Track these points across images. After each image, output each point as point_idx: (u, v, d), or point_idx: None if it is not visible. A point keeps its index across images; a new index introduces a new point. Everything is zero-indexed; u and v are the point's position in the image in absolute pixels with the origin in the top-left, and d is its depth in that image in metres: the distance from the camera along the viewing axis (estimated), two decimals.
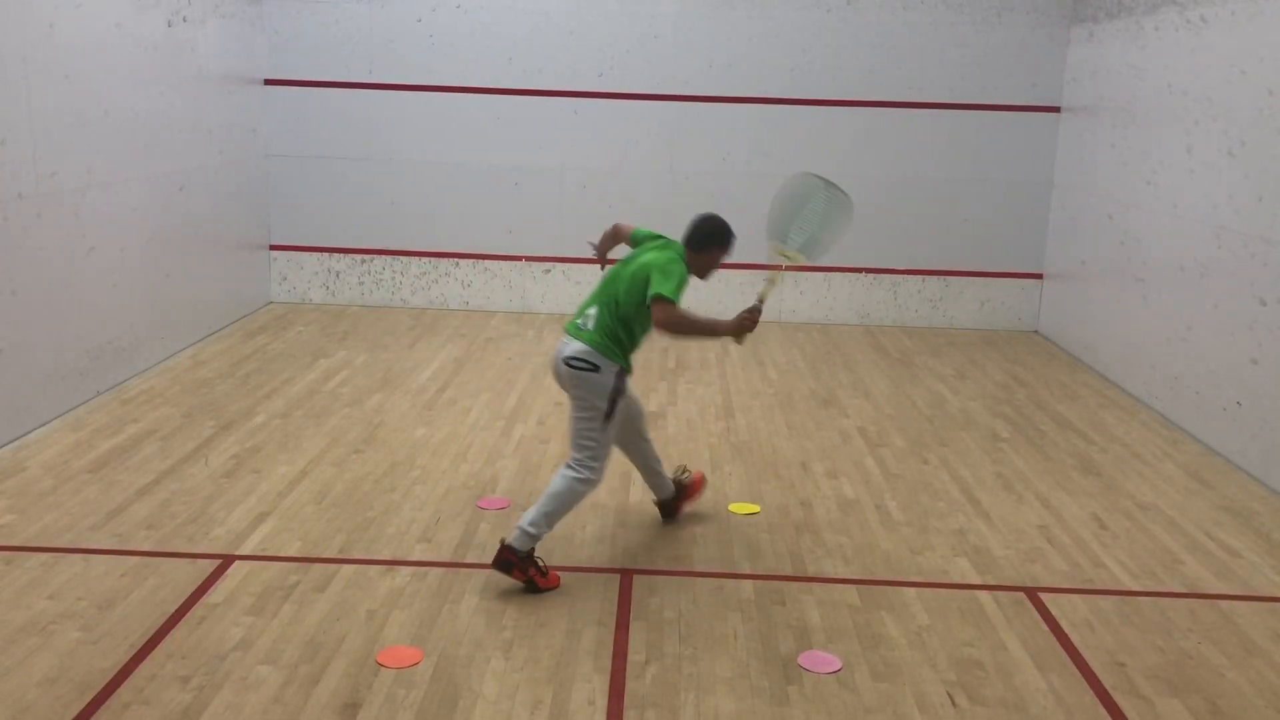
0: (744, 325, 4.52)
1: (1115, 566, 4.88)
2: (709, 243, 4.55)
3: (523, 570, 4.37)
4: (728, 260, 4.70)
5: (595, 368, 4.42)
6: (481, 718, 3.58)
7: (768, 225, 4.82)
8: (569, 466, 4.47)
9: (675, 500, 5.16)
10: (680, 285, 4.41)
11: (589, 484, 4.47)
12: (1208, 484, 5.94)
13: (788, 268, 4.78)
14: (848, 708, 3.72)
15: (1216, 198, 6.58)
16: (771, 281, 4.69)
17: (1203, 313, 6.69)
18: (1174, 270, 7.07)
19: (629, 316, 4.47)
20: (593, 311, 4.51)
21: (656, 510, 5.23)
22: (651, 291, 4.35)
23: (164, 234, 7.51)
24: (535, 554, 4.42)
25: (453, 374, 7.54)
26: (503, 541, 4.40)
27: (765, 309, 4.75)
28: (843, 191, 4.83)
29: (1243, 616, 4.46)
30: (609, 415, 4.44)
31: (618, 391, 4.44)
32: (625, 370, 4.49)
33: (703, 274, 4.61)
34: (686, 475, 5.23)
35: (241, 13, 8.65)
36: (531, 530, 4.36)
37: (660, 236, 4.73)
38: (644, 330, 4.54)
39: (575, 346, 4.45)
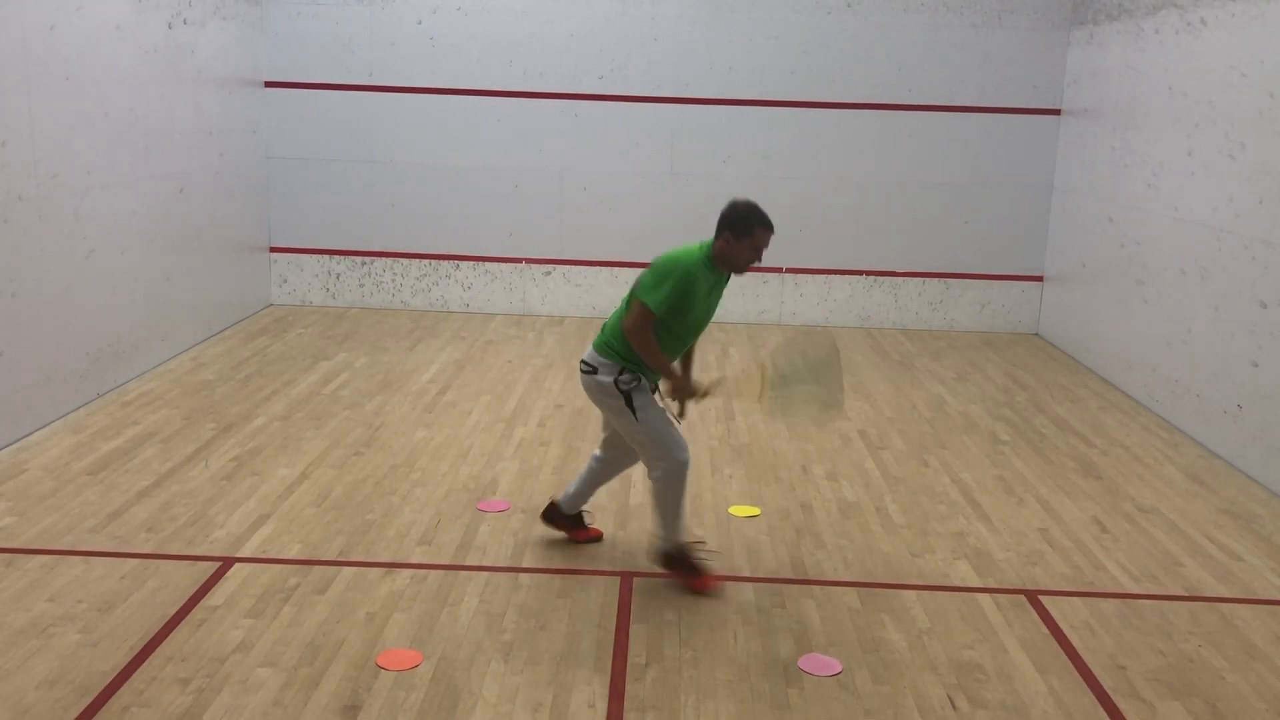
0: (676, 389, 4.47)
1: (1116, 569, 4.88)
2: (724, 229, 4.31)
3: (672, 570, 4.57)
4: (760, 247, 4.33)
5: (593, 369, 4.43)
6: None
7: (775, 356, 4.62)
8: (649, 477, 4.50)
9: (567, 520, 4.90)
10: (670, 295, 4.25)
11: (676, 472, 4.42)
12: (1208, 487, 5.94)
13: (748, 389, 4.57)
14: (848, 710, 3.71)
15: (1217, 200, 6.58)
16: (724, 387, 4.65)
17: (1203, 315, 6.69)
18: (1174, 273, 7.07)
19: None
20: (610, 320, 4.53)
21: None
22: (637, 294, 4.31)
23: (164, 236, 7.51)
24: (690, 554, 4.55)
25: (453, 376, 7.53)
26: (665, 551, 4.58)
27: (709, 391, 4.55)
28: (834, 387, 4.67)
29: (1243, 619, 4.46)
30: (633, 410, 4.39)
31: (627, 386, 4.38)
32: (629, 369, 4.40)
33: (732, 266, 4.36)
34: (588, 518, 5.00)
35: (242, 15, 8.66)
36: (662, 542, 4.54)
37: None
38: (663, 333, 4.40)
39: (586, 352, 4.51)
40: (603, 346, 4.43)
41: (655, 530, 4.59)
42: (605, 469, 4.83)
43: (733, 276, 4.50)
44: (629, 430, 4.45)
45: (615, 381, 4.39)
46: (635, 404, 4.39)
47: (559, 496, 4.90)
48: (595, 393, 4.46)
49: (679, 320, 4.36)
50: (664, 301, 4.25)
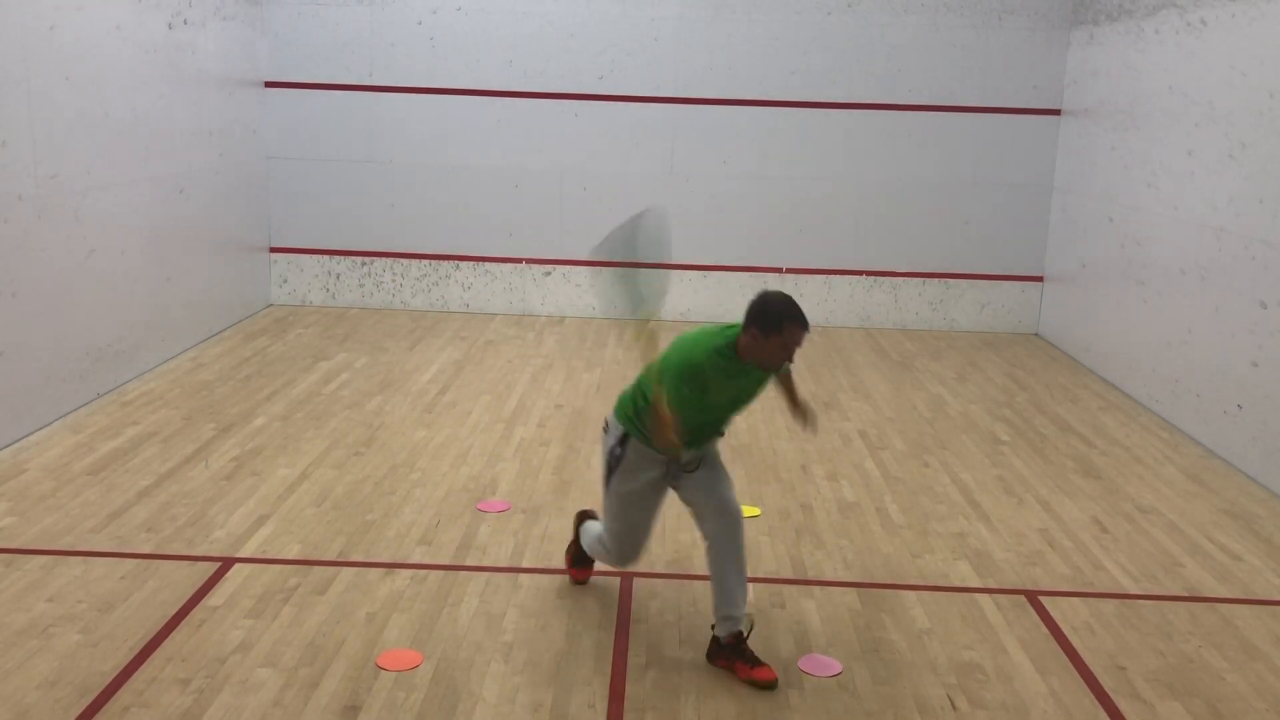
0: (667, 441, 3.76)
1: (1116, 569, 4.88)
2: (750, 324, 3.78)
3: (573, 538, 4.57)
4: (792, 345, 3.80)
5: (605, 427, 4.12)
6: None
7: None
8: (601, 533, 4.29)
9: (728, 650, 3.94)
10: (678, 389, 3.78)
11: (613, 560, 4.24)
12: (1208, 487, 5.94)
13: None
14: (848, 711, 3.71)
15: (1217, 200, 6.58)
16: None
17: (1203, 315, 6.68)
18: (1175, 273, 7.07)
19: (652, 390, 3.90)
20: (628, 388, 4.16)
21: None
22: (659, 380, 3.82)
23: (164, 236, 7.51)
24: (589, 559, 4.53)
25: (453, 376, 7.53)
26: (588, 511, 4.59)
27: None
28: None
29: (1243, 620, 4.46)
30: (606, 484, 4.07)
31: (615, 458, 4.01)
32: (635, 438, 3.96)
33: (759, 364, 3.81)
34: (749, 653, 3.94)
35: (242, 14, 8.66)
36: (581, 543, 4.51)
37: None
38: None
39: None
40: (618, 407, 4.06)
41: (583, 536, 4.44)
42: (712, 553, 3.99)
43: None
44: (603, 495, 4.15)
45: (609, 450, 4.04)
46: (611, 481, 4.04)
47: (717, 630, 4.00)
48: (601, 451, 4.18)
49: (700, 399, 3.84)
50: (674, 395, 3.78)
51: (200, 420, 6.40)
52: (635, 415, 3.97)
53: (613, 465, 4.03)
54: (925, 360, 8.48)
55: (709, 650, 4.00)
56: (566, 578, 4.60)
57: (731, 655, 3.91)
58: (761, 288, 3.82)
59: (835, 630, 4.25)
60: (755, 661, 3.87)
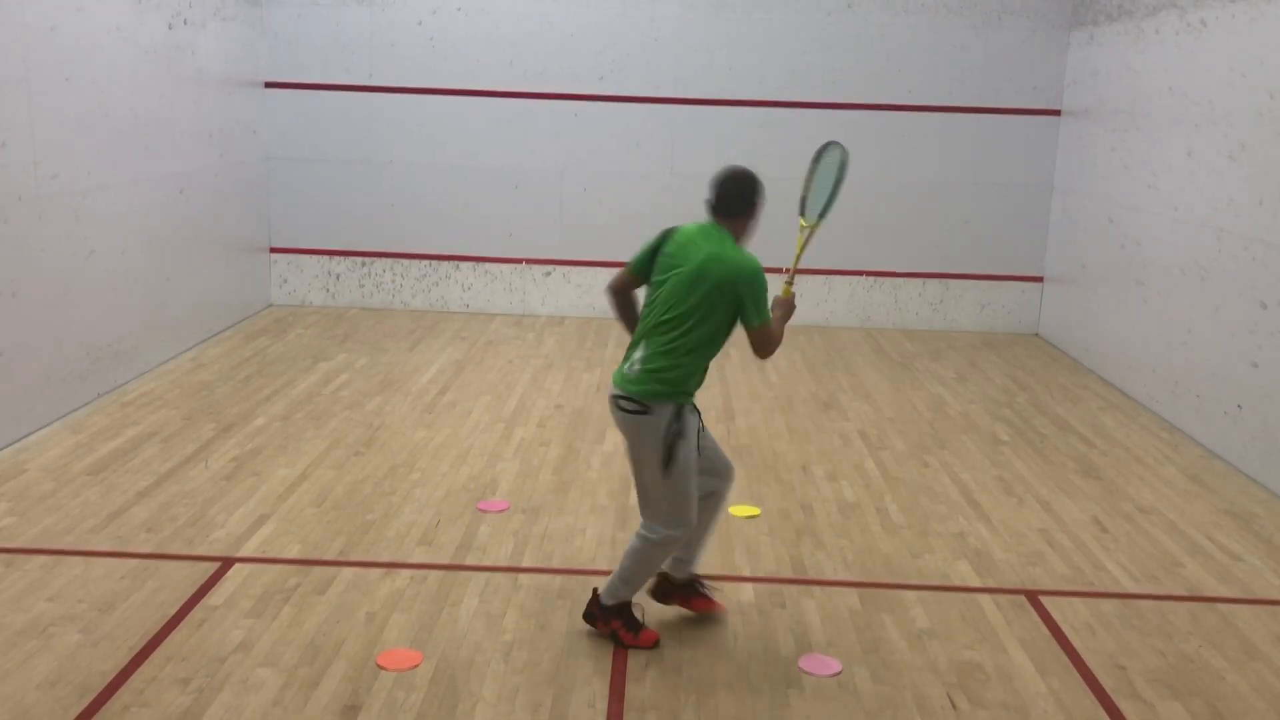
0: (789, 313, 4.03)
1: (1116, 569, 4.88)
2: (754, 202, 3.97)
3: (605, 622, 4.07)
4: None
5: (643, 409, 3.85)
6: None
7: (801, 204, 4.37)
8: (641, 533, 3.97)
9: (681, 590, 4.24)
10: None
11: (672, 543, 3.95)
12: (1208, 487, 5.94)
13: (803, 242, 4.26)
14: (848, 711, 3.71)
15: (1217, 200, 6.58)
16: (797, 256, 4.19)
17: (1203, 316, 6.69)
18: (1175, 273, 7.08)
19: (694, 339, 3.85)
20: (639, 353, 3.91)
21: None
22: (753, 323, 3.85)
23: (164, 236, 7.51)
24: (632, 608, 4.09)
25: (453, 376, 7.53)
26: (595, 590, 4.16)
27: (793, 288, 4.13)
28: (834, 148, 4.46)
29: (1243, 620, 4.46)
30: (667, 464, 3.85)
31: (675, 434, 3.84)
32: (687, 407, 3.89)
33: (747, 239, 4.02)
34: (708, 589, 4.31)
35: (242, 15, 8.66)
36: (616, 591, 4.04)
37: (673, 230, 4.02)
38: (715, 348, 3.93)
39: (625, 389, 3.91)
40: (649, 379, 3.85)
41: (609, 585, 4.05)
42: (704, 506, 4.11)
43: None
44: (652, 480, 3.89)
45: (668, 427, 3.83)
46: (680, 455, 3.85)
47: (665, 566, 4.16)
48: (637, 431, 3.88)
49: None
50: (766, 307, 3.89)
51: (200, 420, 6.40)
52: (675, 387, 3.85)
53: (674, 441, 3.82)
54: (925, 360, 8.48)
55: (656, 589, 4.25)
56: (566, 577, 4.60)
57: (688, 592, 4.26)
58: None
59: (835, 630, 4.25)
60: (709, 593, 4.29)
